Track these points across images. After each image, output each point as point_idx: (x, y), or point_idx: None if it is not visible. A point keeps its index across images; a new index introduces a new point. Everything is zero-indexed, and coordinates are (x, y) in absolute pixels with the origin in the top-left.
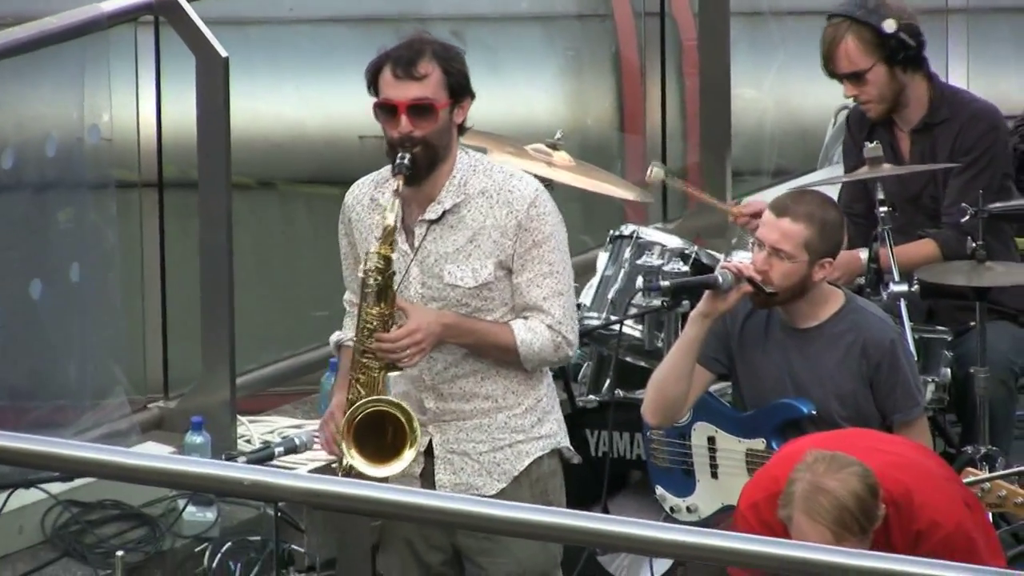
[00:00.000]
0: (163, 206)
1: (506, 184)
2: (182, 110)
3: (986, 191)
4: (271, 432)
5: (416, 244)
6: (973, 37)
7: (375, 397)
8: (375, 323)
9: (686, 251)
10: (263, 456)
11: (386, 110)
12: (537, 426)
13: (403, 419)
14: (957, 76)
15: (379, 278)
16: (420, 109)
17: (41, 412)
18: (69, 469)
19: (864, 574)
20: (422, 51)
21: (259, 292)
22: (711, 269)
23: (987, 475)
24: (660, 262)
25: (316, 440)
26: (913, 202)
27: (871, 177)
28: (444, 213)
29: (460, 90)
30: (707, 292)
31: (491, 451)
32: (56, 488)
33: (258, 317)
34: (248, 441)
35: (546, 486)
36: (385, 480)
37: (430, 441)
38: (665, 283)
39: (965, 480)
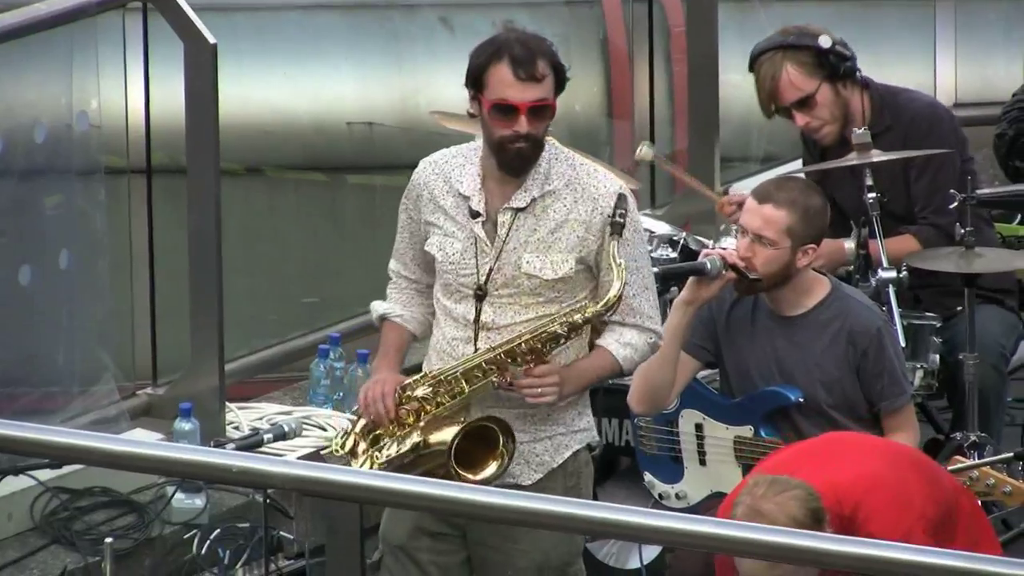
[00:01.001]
0: (151, 192)
1: (591, 179)
2: (170, 96)
3: (952, 183)
4: (260, 419)
5: (500, 233)
6: (961, 23)
7: (492, 416)
8: (524, 357)
9: (674, 237)
10: (252, 443)
11: (505, 110)
12: (577, 419)
13: (502, 437)
14: (945, 62)
15: (561, 332)
16: (540, 110)
17: (30, 398)
18: (58, 456)
19: (849, 559)
20: (538, 51)
21: (247, 278)
22: (699, 255)
23: (973, 463)
24: (648, 248)
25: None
26: (895, 202)
27: (859, 164)
28: (532, 201)
29: (562, 87)
30: (691, 279)
31: (532, 442)
32: (45, 475)
33: (247, 303)
34: (237, 428)
35: (579, 479)
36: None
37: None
38: (654, 269)
39: (952, 468)
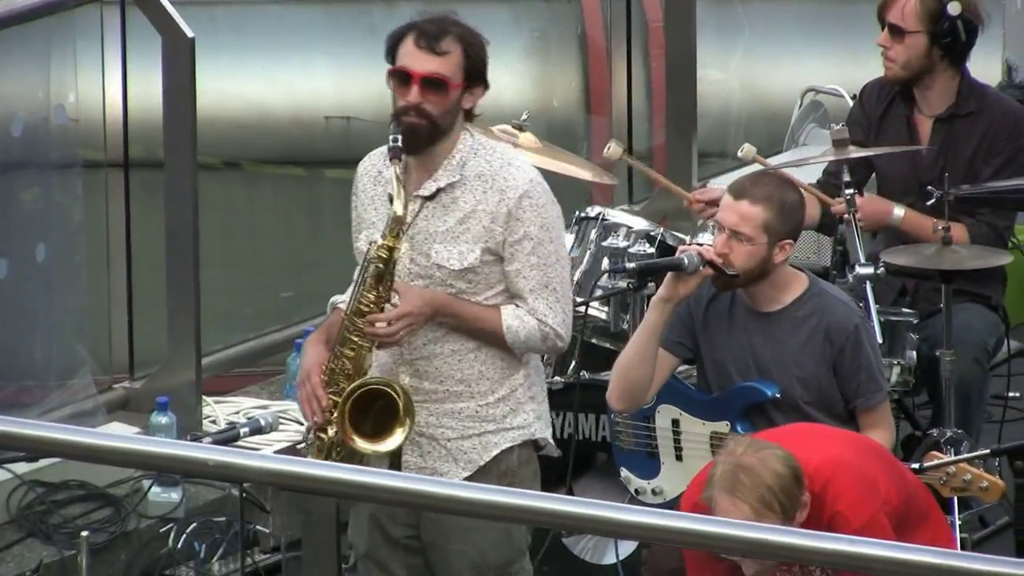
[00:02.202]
0: (129, 186)
1: (502, 171)
2: (148, 90)
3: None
4: (237, 413)
5: (408, 220)
6: None
7: (376, 377)
8: (370, 307)
9: (652, 233)
10: (228, 437)
11: (400, 77)
12: (510, 416)
13: (399, 399)
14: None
15: (380, 267)
16: (434, 83)
17: (6, 392)
18: (34, 449)
19: (823, 555)
20: (448, 30)
21: (225, 273)
22: (676, 251)
23: (949, 459)
24: (626, 244)
25: (283, 418)
26: (920, 188)
27: (837, 160)
28: (438, 191)
29: (476, 76)
30: (668, 276)
31: (459, 439)
32: (21, 468)
33: (224, 298)
34: (214, 422)
35: (514, 478)
36: (363, 459)
37: None
38: (631, 265)
39: (928, 464)
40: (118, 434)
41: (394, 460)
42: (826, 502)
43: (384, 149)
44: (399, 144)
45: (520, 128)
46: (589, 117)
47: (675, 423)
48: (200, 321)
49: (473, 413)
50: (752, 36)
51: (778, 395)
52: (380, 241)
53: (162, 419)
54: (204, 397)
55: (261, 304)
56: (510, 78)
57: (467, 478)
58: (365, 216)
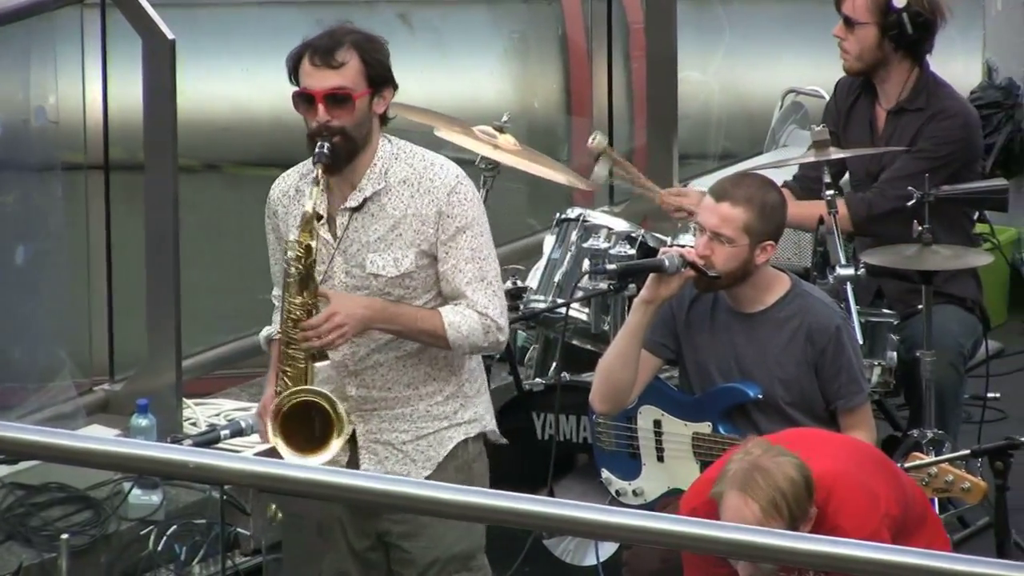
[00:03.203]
0: (109, 188)
1: (427, 172)
2: (129, 92)
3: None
4: (217, 415)
5: (339, 233)
6: None
7: (300, 388)
8: (299, 312)
9: (633, 234)
10: (209, 439)
11: (304, 99)
12: (460, 411)
13: (329, 408)
14: None
15: (300, 267)
16: (337, 99)
17: None
18: (14, 452)
19: (811, 557)
20: (341, 40)
21: (205, 274)
22: (657, 252)
23: (931, 459)
24: (607, 245)
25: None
26: (872, 181)
27: (817, 161)
28: (365, 201)
29: (380, 80)
30: (650, 278)
31: (414, 440)
32: (1, 471)
33: (204, 299)
34: (194, 424)
35: (471, 471)
36: None
37: (354, 431)
38: (612, 266)
39: (909, 465)
40: (98, 436)
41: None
42: (827, 514)
43: (296, 169)
44: (325, 151)
45: (500, 130)
46: (570, 119)
47: (657, 424)
48: (180, 323)
49: (424, 413)
50: (732, 37)
51: (760, 396)
52: (292, 237)
53: (142, 421)
54: (184, 399)
55: (241, 306)
56: (490, 80)
57: (428, 477)
58: (288, 236)
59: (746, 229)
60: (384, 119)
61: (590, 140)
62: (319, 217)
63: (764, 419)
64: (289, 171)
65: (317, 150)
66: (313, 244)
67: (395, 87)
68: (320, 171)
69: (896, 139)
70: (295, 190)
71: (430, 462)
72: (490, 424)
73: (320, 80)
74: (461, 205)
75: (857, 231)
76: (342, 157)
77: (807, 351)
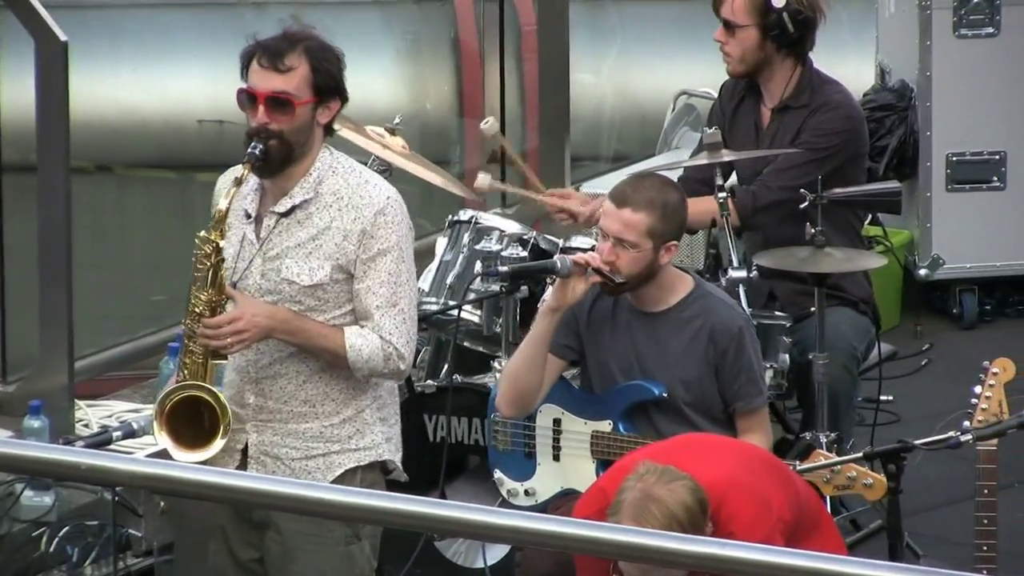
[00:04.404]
0: (2, 190)
1: (359, 189)
2: (21, 94)
3: (812, 177)
4: (109, 416)
5: (263, 235)
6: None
7: (187, 382)
8: (202, 308)
9: (525, 236)
10: (101, 440)
11: (248, 98)
12: (355, 437)
13: (215, 405)
14: None
15: (207, 263)
16: (279, 102)
17: None
18: None
19: (701, 559)
20: (294, 45)
21: (98, 276)
22: (550, 254)
23: (828, 461)
24: (499, 247)
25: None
26: (754, 179)
27: (710, 163)
28: (293, 208)
29: (327, 90)
30: (556, 285)
31: (303, 459)
32: None
33: (96, 301)
34: (86, 425)
35: None
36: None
37: (247, 441)
38: (504, 268)
39: (807, 466)
40: None
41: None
42: (720, 522)
43: (240, 164)
44: (256, 152)
45: (392, 131)
46: (462, 120)
47: (556, 423)
48: (73, 324)
49: (317, 433)
50: (625, 39)
51: (665, 395)
52: (202, 234)
53: (35, 423)
54: (77, 401)
55: (134, 307)
56: (383, 81)
57: None
58: (198, 233)
59: (649, 233)
60: (329, 130)
61: (483, 123)
62: (248, 216)
63: (663, 420)
64: (236, 167)
65: (249, 149)
66: (222, 243)
67: (344, 99)
68: (247, 171)
69: (780, 136)
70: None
71: None
72: (388, 454)
73: (264, 81)
74: (386, 227)
75: (743, 225)
76: (275, 161)
77: (708, 351)
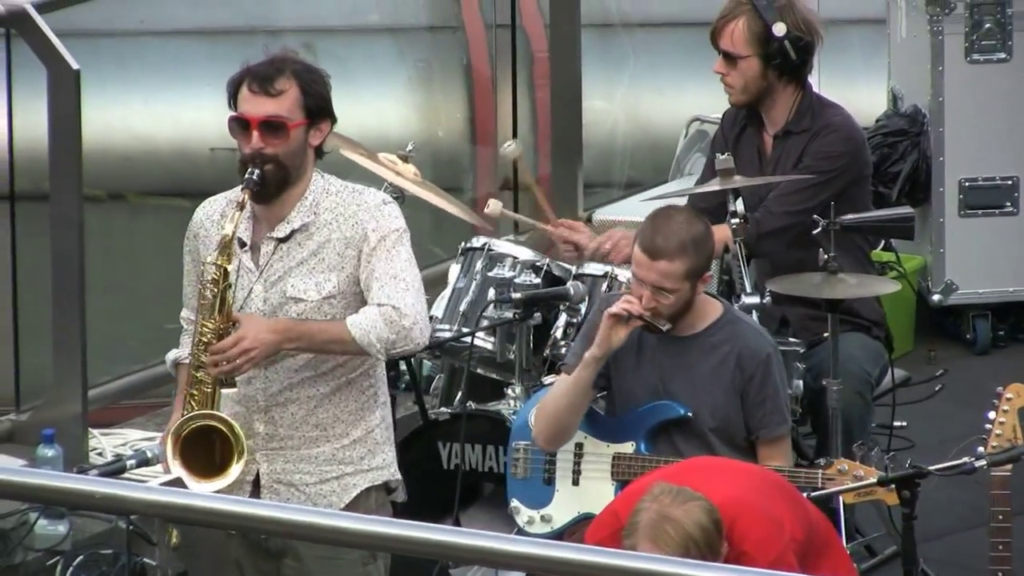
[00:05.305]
0: (15, 218)
1: (353, 199)
2: (34, 122)
3: (823, 202)
4: (123, 445)
5: (262, 262)
6: (823, 48)
7: (198, 412)
8: (210, 336)
9: (538, 263)
10: (115, 469)
11: (240, 125)
12: (367, 458)
13: (228, 433)
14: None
15: (215, 289)
16: (272, 126)
17: None
18: None
19: None
20: (282, 69)
21: (110, 304)
22: (563, 281)
23: (847, 487)
24: (512, 274)
25: None
26: (760, 205)
27: (722, 189)
28: (293, 232)
29: (318, 112)
30: (601, 331)
31: (318, 483)
32: None
33: (109, 329)
34: (100, 454)
35: None
36: None
37: (258, 472)
38: (517, 295)
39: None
40: (4, 467)
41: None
42: (732, 542)
43: (224, 194)
44: (255, 177)
45: (404, 159)
46: (474, 147)
47: (579, 447)
48: (86, 353)
49: (330, 456)
50: (637, 66)
51: (689, 414)
52: (209, 260)
53: (48, 451)
54: (90, 429)
55: (147, 335)
56: (395, 108)
57: None
58: (206, 259)
59: (686, 275)
60: (319, 152)
61: (505, 145)
62: (243, 244)
63: (685, 444)
64: (216, 196)
65: (247, 176)
66: (230, 268)
67: (333, 120)
68: (247, 196)
69: (783, 161)
70: (219, 215)
71: (331, 508)
72: (396, 474)
73: (257, 107)
74: (386, 219)
75: (748, 251)
76: (272, 185)
77: (735, 377)
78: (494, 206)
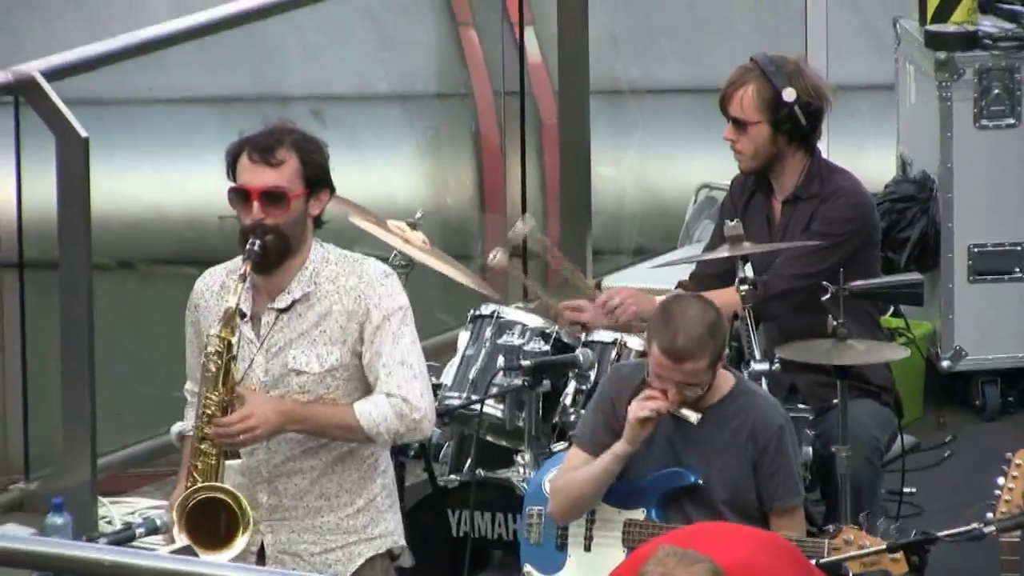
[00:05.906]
0: (24, 286)
1: (355, 270)
2: (42, 190)
3: (831, 266)
4: (132, 513)
5: (263, 333)
6: (832, 114)
7: (204, 484)
8: (214, 408)
9: (547, 330)
10: (124, 537)
11: (240, 196)
12: (371, 526)
13: (234, 505)
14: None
15: (219, 362)
16: (273, 196)
17: None
18: None
19: None
20: (281, 139)
21: (119, 373)
22: (572, 348)
23: (857, 552)
24: (521, 341)
25: None
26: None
27: (731, 256)
28: (293, 303)
29: (317, 181)
30: (629, 427)
31: (323, 552)
32: None
33: (118, 397)
34: (109, 522)
35: None
36: None
37: (262, 543)
38: (526, 362)
39: (840, 557)
40: (14, 535)
41: None
42: None
43: (224, 265)
44: (256, 248)
45: (413, 226)
46: (483, 215)
47: (591, 513)
48: (95, 421)
49: (334, 526)
50: (646, 132)
51: (700, 481)
52: (213, 332)
53: (57, 520)
54: (99, 497)
55: (156, 404)
56: (404, 176)
57: None
58: (208, 331)
59: (710, 366)
60: (318, 221)
61: (518, 224)
62: (243, 315)
63: (697, 514)
64: (216, 267)
65: (248, 247)
66: (233, 340)
67: (332, 190)
68: (248, 267)
69: (792, 227)
70: (219, 286)
71: None
72: (400, 540)
73: (257, 177)
74: (389, 296)
75: (756, 314)
76: (273, 256)
77: (748, 448)
78: (502, 258)
